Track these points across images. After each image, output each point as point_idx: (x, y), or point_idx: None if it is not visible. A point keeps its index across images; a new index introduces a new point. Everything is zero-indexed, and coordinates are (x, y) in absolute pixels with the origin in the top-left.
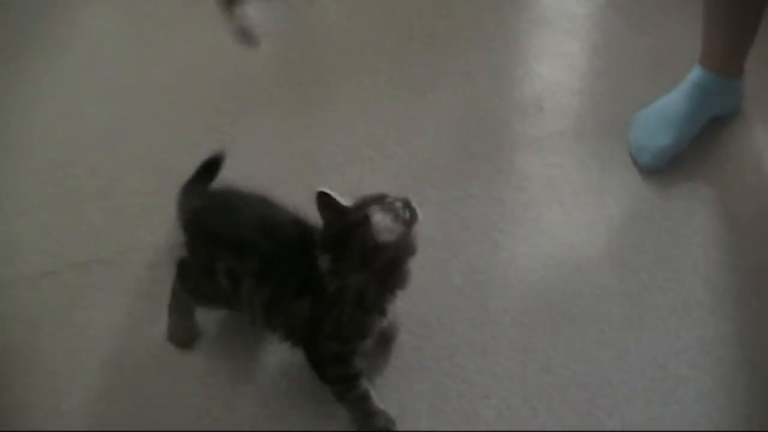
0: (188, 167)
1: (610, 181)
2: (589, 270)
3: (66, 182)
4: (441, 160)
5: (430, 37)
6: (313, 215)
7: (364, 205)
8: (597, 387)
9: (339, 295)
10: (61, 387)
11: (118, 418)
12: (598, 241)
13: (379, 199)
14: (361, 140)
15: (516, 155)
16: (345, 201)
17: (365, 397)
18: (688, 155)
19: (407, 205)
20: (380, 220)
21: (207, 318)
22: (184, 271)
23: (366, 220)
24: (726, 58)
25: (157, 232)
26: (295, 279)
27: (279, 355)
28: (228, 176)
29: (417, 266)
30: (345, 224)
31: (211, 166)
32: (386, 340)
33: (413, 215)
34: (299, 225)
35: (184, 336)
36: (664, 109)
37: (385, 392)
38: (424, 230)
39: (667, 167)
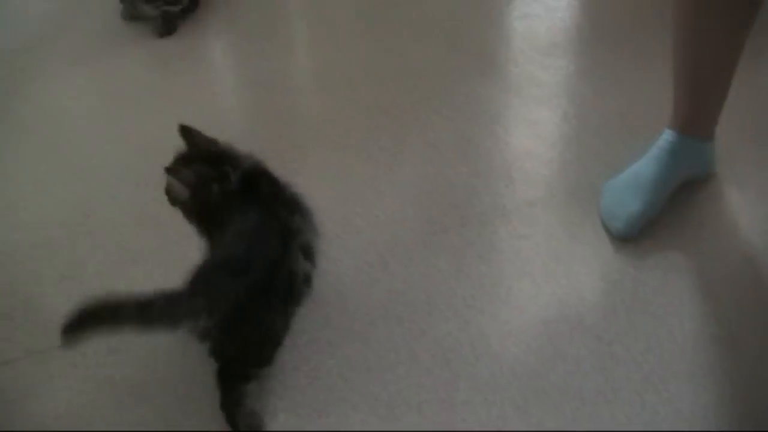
0: (153, 248)
1: (581, 252)
2: (561, 344)
3: (28, 265)
4: (408, 234)
5: (397, 109)
6: None
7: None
8: None
9: None
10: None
11: None
12: (570, 313)
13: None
14: (326, 216)
15: (485, 228)
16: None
17: None
18: (660, 221)
19: None
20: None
21: None
22: None
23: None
24: (696, 120)
25: None
26: None
27: None
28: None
29: (383, 345)
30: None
31: None
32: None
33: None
34: None
35: None
36: (635, 175)
37: None
38: (390, 307)
39: (640, 234)
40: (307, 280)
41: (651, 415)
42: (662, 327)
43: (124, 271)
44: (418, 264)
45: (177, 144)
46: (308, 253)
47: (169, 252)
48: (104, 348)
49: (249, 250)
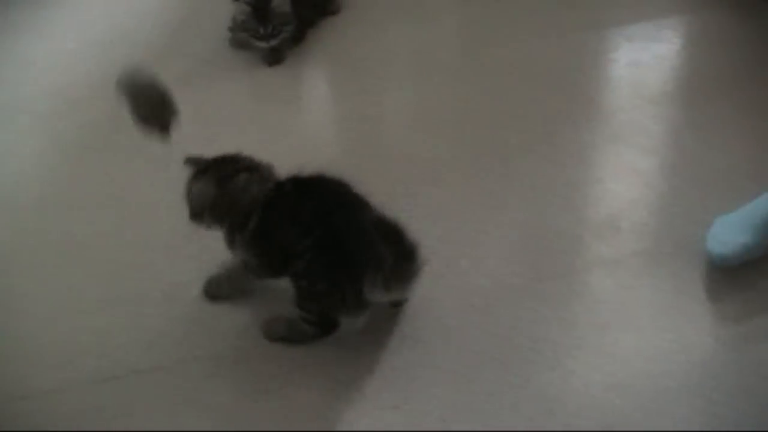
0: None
1: (689, 306)
2: (667, 401)
3: (132, 285)
4: (513, 279)
5: (503, 152)
6: None
7: None
8: None
9: None
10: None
11: None
12: (677, 369)
13: None
14: (431, 257)
15: (591, 276)
16: None
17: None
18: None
19: None
20: None
21: None
22: None
23: None
24: None
25: (220, 341)
26: None
27: None
28: None
29: (486, 390)
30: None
31: None
32: None
33: None
34: None
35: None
36: (751, 212)
37: None
38: (494, 352)
39: (752, 288)
40: None
41: None
42: None
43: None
44: (523, 310)
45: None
46: None
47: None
48: (204, 373)
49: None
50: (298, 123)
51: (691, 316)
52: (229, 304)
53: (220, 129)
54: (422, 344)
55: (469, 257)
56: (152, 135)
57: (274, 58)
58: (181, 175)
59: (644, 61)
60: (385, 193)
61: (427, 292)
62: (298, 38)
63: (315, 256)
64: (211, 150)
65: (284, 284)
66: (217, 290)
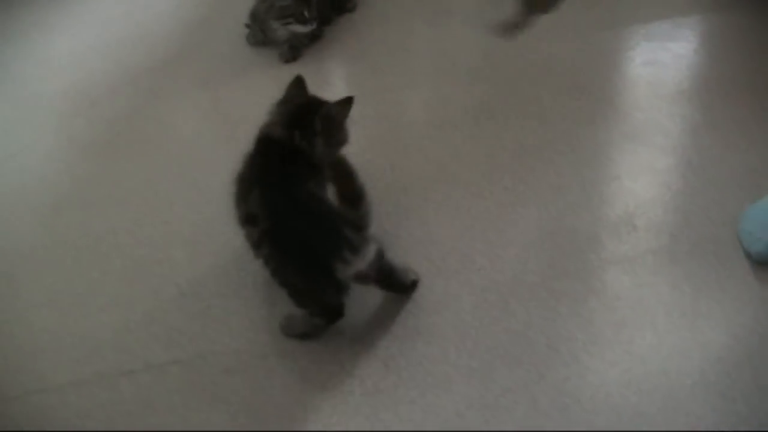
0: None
1: (705, 304)
2: (682, 398)
3: (149, 281)
4: (529, 277)
5: (521, 150)
6: None
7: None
8: None
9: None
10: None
11: None
12: (692, 367)
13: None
14: (448, 253)
15: (607, 274)
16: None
17: None
18: None
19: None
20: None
21: None
22: None
23: (325, 102)
24: None
25: (237, 336)
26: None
27: None
28: None
29: (501, 386)
30: (310, 105)
31: None
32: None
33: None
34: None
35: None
36: None
37: None
38: (510, 348)
39: (761, 290)
40: None
41: None
42: None
43: (242, 292)
44: (539, 306)
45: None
46: None
47: None
48: (221, 368)
49: None
50: None
51: (707, 314)
52: (244, 300)
53: (239, 126)
54: (438, 340)
55: (486, 254)
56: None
57: (291, 55)
58: (199, 173)
59: (662, 60)
60: (402, 190)
61: (444, 289)
62: (315, 35)
63: (272, 254)
64: (230, 148)
65: None
66: (290, 329)
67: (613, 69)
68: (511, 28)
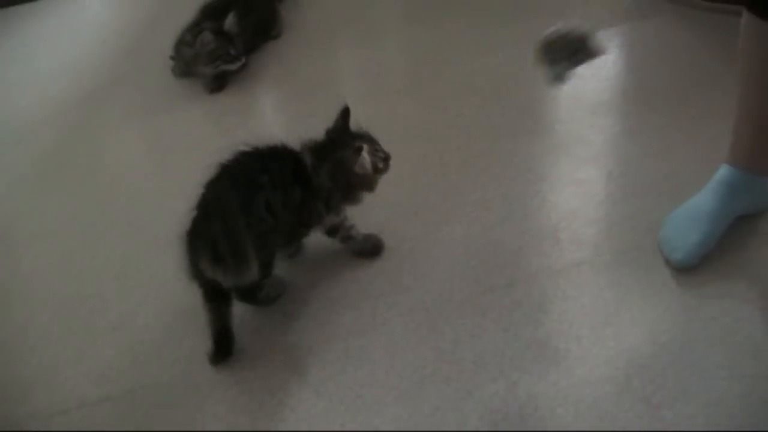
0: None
1: (628, 313)
2: (608, 407)
3: (80, 317)
4: (456, 294)
5: (444, 168)
6: None
7: (360, 137)
8: None
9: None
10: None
11: None
12: (618, 375)
13: (371, 141)
14: (375, 275)
15: (532, 288)
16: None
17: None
18: (714, 269)
19: (387, 158)
20: (365, 157)
21: None
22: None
23: (357, 148)
24: (754, 156)
25: (168, 368)
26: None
27: None
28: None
29: (431, 405)
30: (340, 140)
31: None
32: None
33: (386, 166)
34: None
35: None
36: (693, 207)
37: None
38: (438, 366)
39: (688, 293)
40: None
41: None
42: (712, 391)
43: (171, 325)
44: (466, 323)
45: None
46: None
47: None
48: (153, 401)
49: None
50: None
51: (631, 322)
52: (174, 331)
53: (167, 156)
54: (368, 363)
55: (412, 274)
56: None
57: (217, 85)
58: (128, 205)
59: (582, 73)
60: None
61: (372, 311)
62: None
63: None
64: (158, 178)
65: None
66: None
67: (535, 83)
68: None
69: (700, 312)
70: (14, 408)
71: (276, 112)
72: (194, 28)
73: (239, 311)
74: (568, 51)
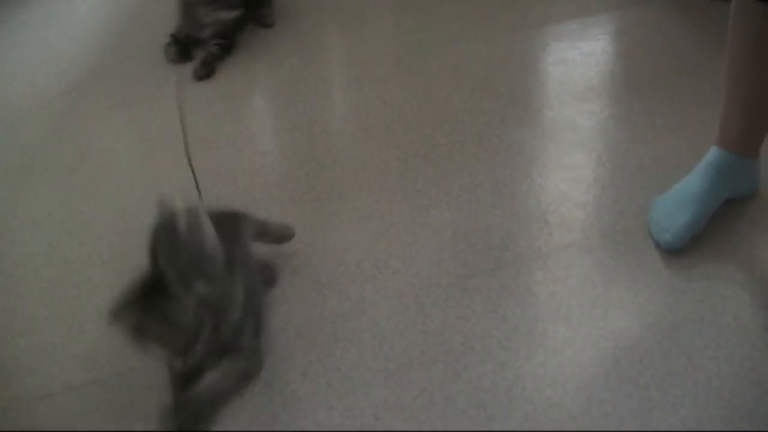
0: None
1: (616, 294)
2: (596, 387)
3: (67, 302)
4: (444, 277)
5: (432, 153)
6: None
7: None
8: None
9: None
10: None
11: None
12: (606, 356)
13: None
14: (363, 258)
15: (520, 271)
16: None
17: None
18: (702, 252)
19: None
20: None
21: None
22: None
23: None
24: (743, 138)
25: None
26: None
27: None
28: None
29: (418, 386)
30: None
31: None
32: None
33: None
34: None
35: None
36: (682, 189)
37: None
38: (426, 348)
39: (677, 275)
40: None
41: None
42: (700, 371)
43: None
44: (454, 306)
45: (213, 187)
46: None
47: None
48: (141, 385)
49: None
50: (232, 134)
51: (619, 304)
52: None
53: (154, 145)
54: (355, 345)
55: (400, 258)
56: None
57: (205, 71)
58: (116, 193)
59: (571, 59)
60: (316, 199)
61: (359, 294)
62: (228, 50)
63: None
64: (145, 165)
65: None
66: None
67: (524, 69)
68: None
69: (688, 294)
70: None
71: (264, 99)
72: None
73: None
74: None
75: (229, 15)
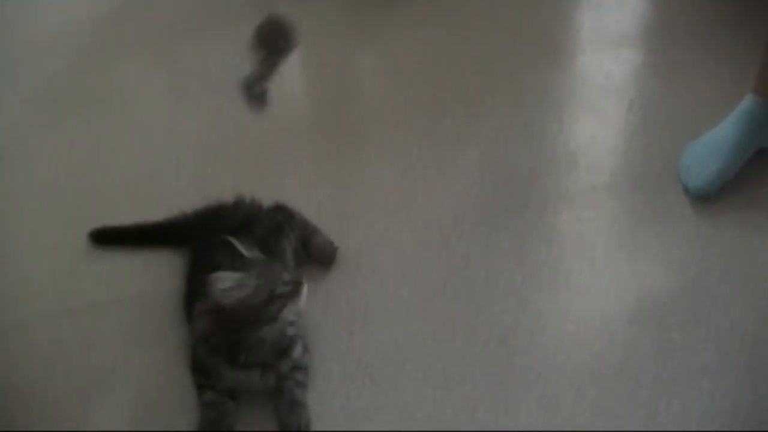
0: None
1: (643, 238)
2: (619, 328)
3: (91, 225)
4: (470, 214)
5: (463, 93)
6: None
7: (258, 264)
8: None
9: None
10: (74, 429)
11: None
12: (629, 298)
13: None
14: (389, 193)
15: (547, 210)
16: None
17: (206, 405)
18: (732, 200)
19: (294, 282)
20: (218, 285)
21: None
22: None
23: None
24: None
25: (179, 276)
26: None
27: None
28: None
29: (440, 319)
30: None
31: None
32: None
33: (293, 293)
34: None
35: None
36: (715, 137)
37: None
38: (449, 282)
39: (705, 222)
40: None
41: (708, 403)
42: (724, 316)
43: None
44: (479, 242)
45: (242, 120)
46: None
47: None
48: (163, 306)
49: None
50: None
51: (645, 247)
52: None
53: (186, 77)
54: (378, 276)
55: (427, 193)
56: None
57: None
58: (141, 126)
59: (606, 4)
60: (343, 135)
61: (385, 226)
62: None
63: None
64: (176, 99)
65: None
66: None
67: (557, 14)
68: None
69: (715, 241)
70: (24, 307)
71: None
72: None
73: None
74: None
75: None
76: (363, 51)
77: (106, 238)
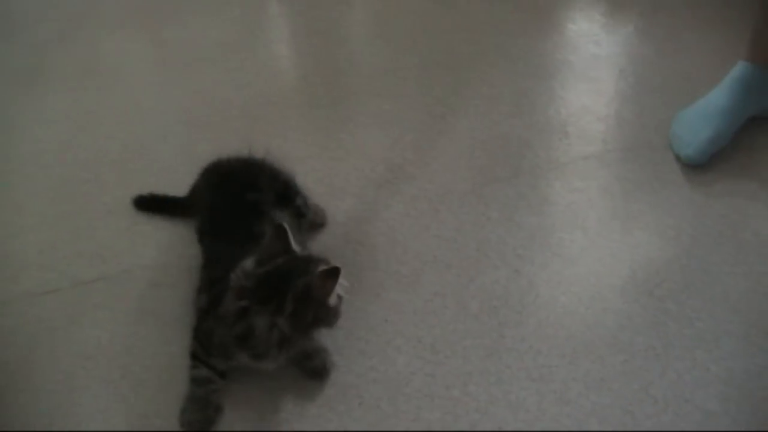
0: None
1: (636, 207)
2: (611, 298)
3: (76, 200)
4: (460, 184)
5: (453, 62)
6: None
7: (310, 259)
8: (618, 420)
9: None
10: (59, 406)
11: None
12: (622, 268)
13: (322, 261)
14: (379, 162)
15: (538, 180)
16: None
17: (195, 382)
18: (724, 168)
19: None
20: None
21: None
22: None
23: (321, 273)
24: None
25: (165, 251)
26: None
27: None
28: None
29: (431, 290)
30: (288, 266)
31: None
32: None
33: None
34: None
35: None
36: (706, 104)
37: (393, 421)
38: (439, 253)
39: (697, 190)
40: None
41: (702, 372)
42: (717, 286)
43: None
44: (469, 212)
45: (229, 90)
46: None
47: None
48: (148, 281)
49: None
50: (251, 40)
51: (638, 216)
52: (171, 216)
53: (173, 47)
54: (368, 248)
55: (416, 164)
56: None
57: None
58: (129, 95)
59: None
60: (332, 102)
61: (374, 198)
62: None
63: None
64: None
65: None
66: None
67: None
68: None
69: (708, 209)
70: (8, 285)
71: (283, 5)
72: None
73: None
74: None
75: None
76: (352, 20)
77: (146, 204)
